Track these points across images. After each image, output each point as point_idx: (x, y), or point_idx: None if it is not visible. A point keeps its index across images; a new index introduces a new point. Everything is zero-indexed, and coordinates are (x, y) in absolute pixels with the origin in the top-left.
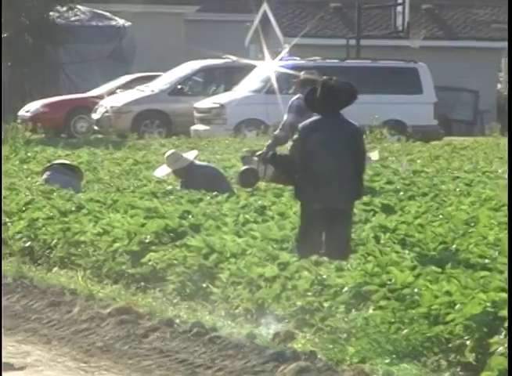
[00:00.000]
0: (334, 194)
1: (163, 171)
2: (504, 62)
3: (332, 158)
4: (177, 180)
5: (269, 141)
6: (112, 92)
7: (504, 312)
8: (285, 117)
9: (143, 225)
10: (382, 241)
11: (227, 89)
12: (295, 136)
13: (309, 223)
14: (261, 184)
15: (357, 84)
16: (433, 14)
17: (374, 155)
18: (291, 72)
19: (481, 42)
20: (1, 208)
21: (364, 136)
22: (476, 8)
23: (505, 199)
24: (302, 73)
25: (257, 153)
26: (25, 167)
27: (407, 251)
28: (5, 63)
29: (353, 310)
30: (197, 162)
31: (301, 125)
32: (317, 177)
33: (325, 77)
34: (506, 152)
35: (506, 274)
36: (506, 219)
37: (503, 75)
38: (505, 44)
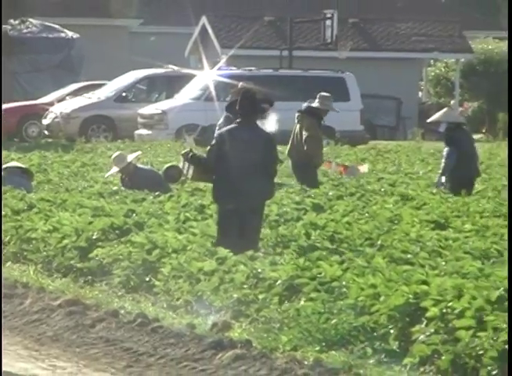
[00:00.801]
0: (246, 196)
1: (111, 171)
2: (425, 71)
3: (244, 163)
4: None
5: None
6: (61, 99)
7: (425, 303)
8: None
9: (90, 223)
10: (313, 237)
11: (168, 96)
12: (212, 142)
13: (225, 221)
14: (200, 184)
15: (289, 92)
16: (359, 27)
17: (364, 168)
18: (228, 81)
19: (403, 53)
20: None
21: (276, 144)
22: (398, 22)
23: (426, 198)
24: (240, 83)
25: (182, 152)
26: None
27: (335, 247)
28: None
29: (286, 302)
30: (141, 166)
31: (217, 132)
32: (230, 180)
33: (244, 88)
34: (427, 155)
35: (427, 268)
36: (427, 217)
37: (424, 84)
38: (425, 55)
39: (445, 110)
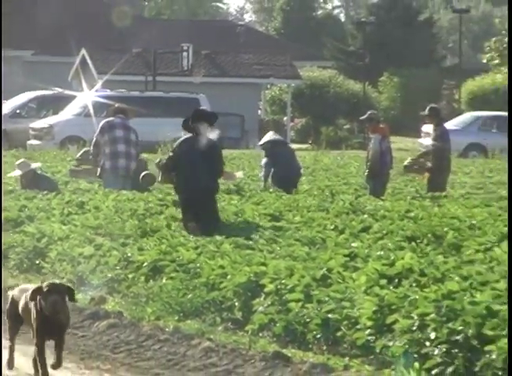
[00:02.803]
0: (198, 190)
1: (15, 173)
2: (263, 94)
3: (196, 165)
4: (17, 182)
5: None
6: None
7: (263, 281)
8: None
9: None
10: (173, 228)
11: (55, 113)
12: (172, 149)
13: (185, 209)
14: (81, 185)
15: (153, 110)
16: (210, 58)
17: (240, 174)
18: (104, 101)
19: (245, 79)
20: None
21: (221, 151)
22: (242, 53)
23: (264, 196)
24: (116, 104)
25: (156, 161)
26: None
27: (191, 235)
28: None
29: (151, 280)
30: (39, 172)
31: (177, 142)
32: (185, 178)
33: (197, 109)
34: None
35: (265, 252)
36: (265, 211)
37: (262, 104)
38: (263, 80)
39: (269, 133)
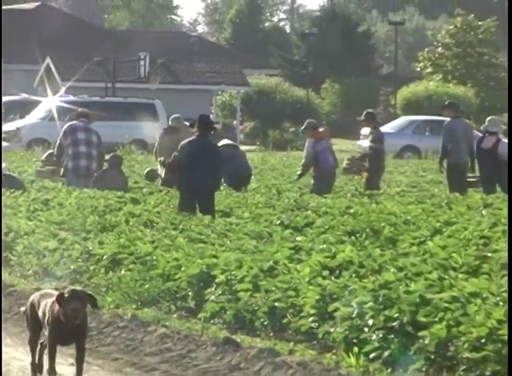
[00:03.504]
0: (199, 188)
1: None
2: (214, 99)
3: (199, 165)
4: None
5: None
6: None
7: (215, 272)
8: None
9: None
10: (131, 223)
11: (22, 117)
12: (178, 150)
13: (185, 202)
14: (46, 183)
15: (113, 114)
16: (165, 66)
17: None
18: (67, 106)
19: (198, 86)
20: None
21: (221, 152)
22: (195, 62)
23: (217, 194)
24: (79, 109)
25: (159, 160)
26: None
27: (149, 230)
28: None
29: (110, 272)
30: (6, 172)
31: (181, 143)
32: (189, 176)
33: (201, 114)
34: None
35: (216, 246)
36: (216, 207)
37: (214, 108)
38: (215, 87)
39: (223, 140)
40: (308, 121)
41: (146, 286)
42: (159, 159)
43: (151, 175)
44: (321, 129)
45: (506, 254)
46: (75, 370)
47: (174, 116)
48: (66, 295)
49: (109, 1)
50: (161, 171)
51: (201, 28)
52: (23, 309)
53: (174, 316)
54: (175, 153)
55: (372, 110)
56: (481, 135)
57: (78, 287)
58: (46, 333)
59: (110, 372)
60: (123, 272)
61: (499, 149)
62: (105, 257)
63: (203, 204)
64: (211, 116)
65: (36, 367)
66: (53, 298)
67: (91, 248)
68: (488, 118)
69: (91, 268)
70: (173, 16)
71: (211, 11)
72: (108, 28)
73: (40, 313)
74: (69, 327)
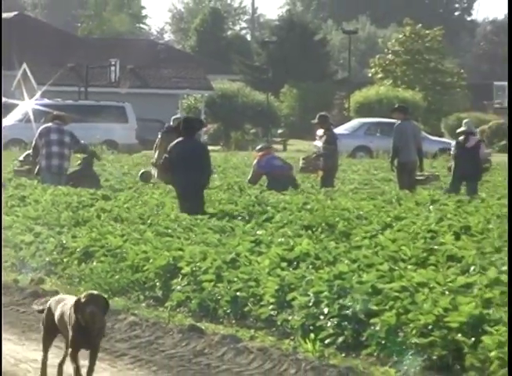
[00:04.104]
0: (190, 185)
1: None
2: (180, 103)
3: (188, 163)
4: None
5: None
6: None
7: (181, 264)
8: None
9: None
10: (102, 218)
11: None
12: (168, 151)
13: (180, 197)
14: (22, 181)
15: (85, 116)
16: (135, 72)
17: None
18: (42, 109)
19: (165, 90)
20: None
21: (209, 151)
22: (162, 68)
23: None
24: (54, 112)
25: (152, 161)
26: None
27: (119, 225)
28: None
29: (83, 263)
30: None
31: (170, 145)
32: (180, 175)
33: (185, 116)
34: None
35: (182, 239)
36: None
37: (180, 111)
38: (180, 91)
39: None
40: (262, 145)
41: (117, 277)
42: (151, 160)
43: (145, 176)
44: (261, 150)
45: (451, 246)
46: (87, 369)
47: (175, 116)
48: (83, 300)
49: (82, 10)
50: (154, 172)
51: (168, 36)
52: (35, 307)
53: (143, 305)
54: (165, 154)
55: (324, 113)
56: (463, 136)
57: (95, 291)
58: (67, 338)
59: (83, 357)
60: (95, 264)
61: (480, 151)
62: (78, 250)
63: (193, 201)
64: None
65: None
66: (70, 303)
67: (64, 242)
68: (465, 121)
69: (64, 260)
70: (142, 25)
71: (177, 20)
72: (81, 36)
73: (56, 319)
74: (87, 331)
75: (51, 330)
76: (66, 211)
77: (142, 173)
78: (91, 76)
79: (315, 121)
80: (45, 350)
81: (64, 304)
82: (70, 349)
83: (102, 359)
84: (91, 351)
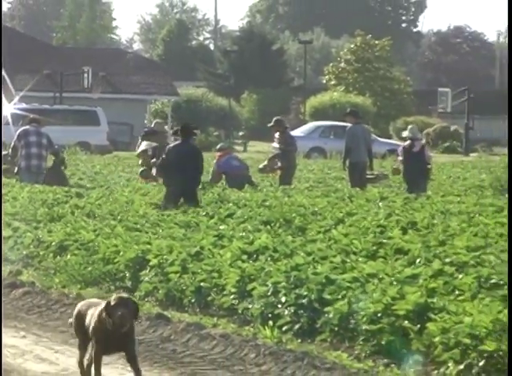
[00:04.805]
0: (184, 185)
1: None
2: (148, 107)
3: (183, 165)
4: None
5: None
6: None
7: (149, 256)
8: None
9: None
10: (76, 214)
11: None
12: (165, 153)
13: (170, 197)
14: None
15: (60, 120)
16: (106, 78)
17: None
18: (20, 112)
19: (135, 96)
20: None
21: (202, 153)
22: (131, 75)
23: (150, 188)
24: (31, 115)
25: (152, 162)
26: None
27: (91, 220)
28: None
29: (58, 256)
30: None
31: (167, 147)
32: (174, 174)
33: (184, 123)
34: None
35: (150, 234)
36: (151, 201)
37: (148, 115)
38: (149, 96)
39: (143, 143)
40: (220, 145)
41: (89, 269)
42: (152, 161)
43: (145, 174)
44: (220, 150)
45: (399, 240)
46: (134, 373)
47: (156, 120)
48: (113, 303)
49: (57, 22)
50: (153, 171)
51: (137, 46)
52: (70, 320)
53: (114, 293)
54: (163, 155)
55: (279, 117)
56: (408, 141)
57: (125, 294)
58: (92, 341)
59: (58, 343)
60: (69, 256)
61: (425, 153)
62: (53, 243)
63: (189, 197)
64: (145, 121)
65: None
66: (100, 307)
67: (41, 236)
68: (410, 127)
69: (41, 253)
70: (112, 35)
71: (145, 31)
72: (56, 45)
73: (87, 323)
74: (116, 335)
75: (84, 334)
76: (42, 207)
77: (142, 171)
78: (65, 82)
79: (272, 124)
80: (82, 355)
81: (94, 307)
82: (94, 352)
83: (76, 345)
84: (128, 358)
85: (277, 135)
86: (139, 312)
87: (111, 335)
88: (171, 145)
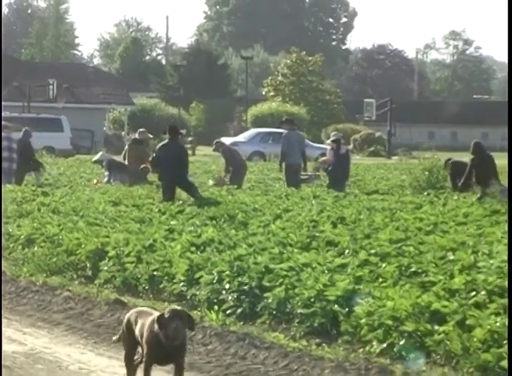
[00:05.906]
0: (174, 178)
1: None
2: (107, 115)
3: (171, 162)
4: None
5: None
6: None
7: (108, 248)
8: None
9: None
10: (42, 211)
11: None
12: (156, 151)
13: (166, 190)
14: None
15: (28, 126)
16: (70, 90)
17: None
18: None
19: (95, 105)
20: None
21: (187, 152)
22: (91, 86)
23: (109, 188)
24: (12, 124)
25: (149, 159)
26: None
27: (56, 216)
28: None
29: (26, 248)
30: None
31: (158, 146)
32: (166, 169)
33: (171, 124)
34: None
35: (109, 228)
36: (109, 198)
37: (107, 122)
38: (107, 106)
39: (99, 153)
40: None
41: (54, 259)
42: (149, 159)
43: (145, 171)
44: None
45: (329, 233)
46: None
47: (141, 129)
48: (167, 315)
49: (25, 39)
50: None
51: (97, 60)
52: (115, 338)
53: (76, 282)
54: (154, 154)
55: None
56: (333, 144)
57: (178, 307)
58: (143, 352)
59: (26, 326)
60: (36, 248)
61: (349, 156)
62: (21, 237)
63: (182, 186)
64: (104, 128)
65: None
66: (151, 317)
67: (10, 230)
68: (333, 133)
69: (10, 245)
70: (75, 51)
71: (104, 47)
72: (24, 60)
73: (137, 332)
74: (169, 347)
75: (132, 343)
76: (11, 204)
77: (142, 168)
78: (33, 93)
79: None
80: (128, 367)
81: (145, 317)
82: (144, 363)
83: (42, 328)
84: (175, 367)
85: (224, 139)
86: (194, 324)
87: (164, 348)
88: (161, 144)
